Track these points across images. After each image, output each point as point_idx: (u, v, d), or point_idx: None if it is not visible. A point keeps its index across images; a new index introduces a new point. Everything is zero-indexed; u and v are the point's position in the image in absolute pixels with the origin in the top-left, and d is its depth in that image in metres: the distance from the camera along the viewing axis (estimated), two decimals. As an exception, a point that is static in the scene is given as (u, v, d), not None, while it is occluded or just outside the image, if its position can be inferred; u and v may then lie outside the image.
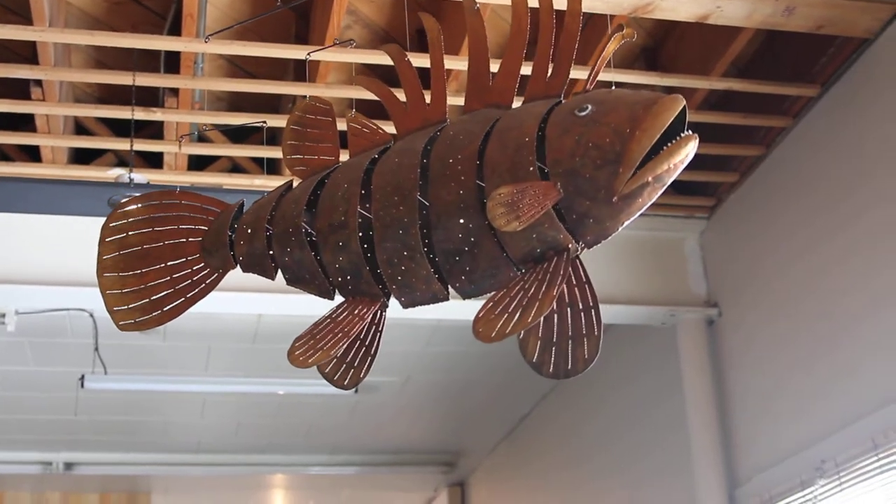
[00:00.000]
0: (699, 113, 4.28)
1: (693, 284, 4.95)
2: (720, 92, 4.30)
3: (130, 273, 2.15)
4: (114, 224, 2.19)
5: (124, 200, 2.22)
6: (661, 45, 4.27)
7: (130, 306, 2.14)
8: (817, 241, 4.13)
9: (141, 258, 2.15)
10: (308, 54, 2.78)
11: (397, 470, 8.79)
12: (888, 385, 3.67)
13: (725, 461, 4.63)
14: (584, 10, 3.33)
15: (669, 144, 1.69)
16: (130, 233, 2.17)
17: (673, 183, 5.28)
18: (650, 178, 1.69)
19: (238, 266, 2.14)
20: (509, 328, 1.68)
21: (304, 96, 4.11)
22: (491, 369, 6.72)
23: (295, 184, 2.15)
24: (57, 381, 6.52)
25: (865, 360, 3.81)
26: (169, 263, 2.15)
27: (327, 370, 1.97)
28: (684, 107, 1.70)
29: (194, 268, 2.15)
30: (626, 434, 5.84)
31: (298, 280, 2.05)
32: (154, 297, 2.13)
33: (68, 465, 8.12)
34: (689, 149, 1.70)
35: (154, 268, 2.15)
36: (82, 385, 5.87)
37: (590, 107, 1.75)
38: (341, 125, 2.12)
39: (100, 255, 2.18)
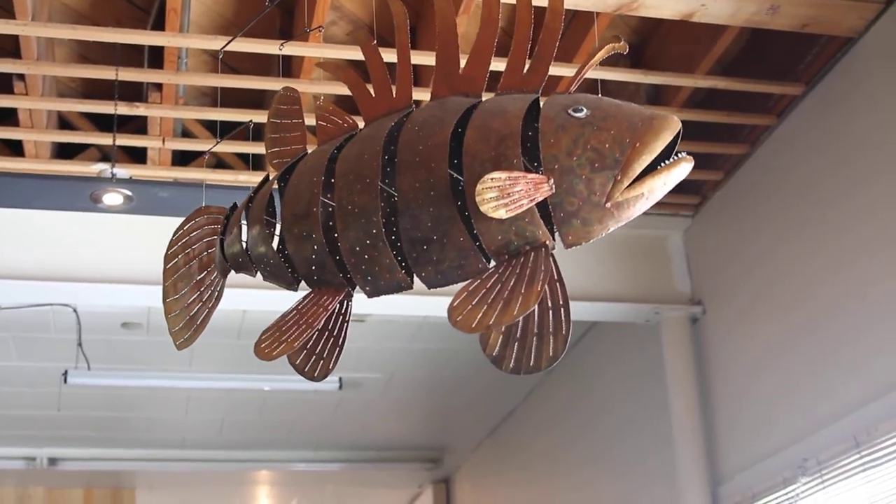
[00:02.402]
0: (683, 111, 4.28)
1: (677, 282, 4.96)
2: (704, 90, 4.30)
3: (179, 295, 2.26)
4: (169, 252, 2.30)
5: (176, 227, 2.32)
6: (646, 42, 4.27)
7: (180, 326, 2.23)
8: (802, 239, 4.14)
9: (183, 278, 2.26)
10: (281, 45, 2.76)
11: (382, 466, 8.78)
12: (871, 383, 3.68)
13: (708, 459, 4.64)
14: (568, 6, 3.34)
15: (666, 162, 1.72)
16: (179, 256, 2.28)
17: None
18: (645, 191, 1.72)
19: (231, 268, 2.16)
20: (492, 320, 1.66)
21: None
22: (476, 366, 6.72)
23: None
24: (40, 376, 6.50)
25: (849, 359, 3.82)
26: (197, 279, 2.24)
27: (297, 362, 1.97)
28: (679, 130, 1.73)
29: (212, 277, 2.23)
30: (609, 432, 5.84)
31: (270, 274, 2.06)
32: (191, 314, 2.22)
33: (52, 461, 8.10)
34: (684, 170, 1.73)
35: (189, 286, 2.24)
36: (65, 380, 5.86)
37: (584, 109, 1.76)
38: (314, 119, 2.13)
39: (163, 283, 2.29)
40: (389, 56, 2.02)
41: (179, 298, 2.23)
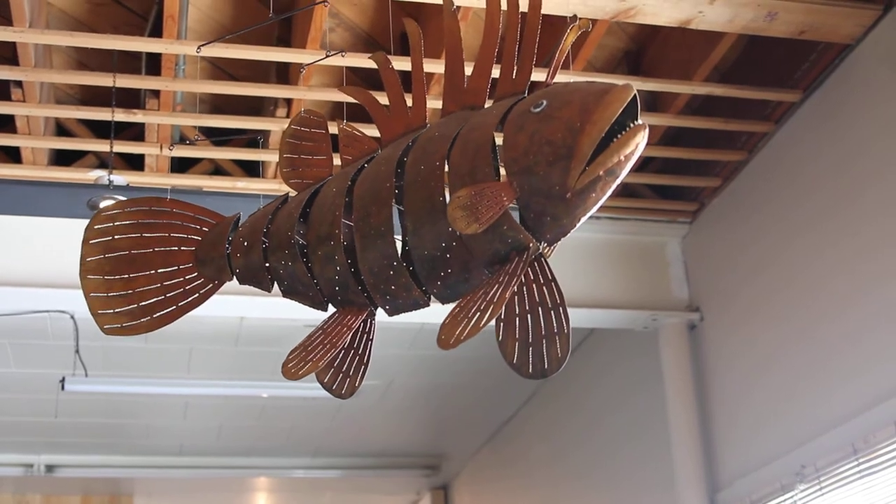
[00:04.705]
0: (681, 117, 4.28)
1: (675, 289, 4.95)
2: (702, 97, 4.31)
3: (117, 277, 2.14)
4: (98, 226, 2.19)
5: (110, 203, 2.22)
6: (644, 49, 4.27)
7: (117, 311, 2.13)
8: (799, 246, 4.14)
9: (128, 263, 2.15)
10: (302, 67, 2.77)
11: (380, 473, 8.78)
12: (868, 390, 3.68)
13: (706, 466, 4.63)
14: (565, 13, 3.35)
15: (619, 136, 1.66)
16: (116, 236, 2.17)
17: (655, 187, 5.27)
18: (602, 172, 1.66)
19: (234, 278, 2.14)
20: (465, 334, 1.68)
21: (286, 99, 4.10)
22: (474, 373, 6.71)
23: (291, 196, 2.15)
24: (37, 382, 6.49)
25: (846, 366, 3.82)
26: (159, 271, 2.15)
27: (325, 380, 1.98)
28: (635, 95, 1.68)
29: (187, 277, 2.16)
30: (607, 438, 5.84)
31: (293, 292, 2.06)
32: (143, 304, 2.13)
33: (49, 468, 8.08)
34: (639, 139, 1.67)
35: (143, 274, 2.14)
36: (63, 387, 5.84)
37: (545, 102, 1.73)
38: (332, 128, 2.13)
39: (83, 256, 2.17)
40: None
41: (115, 281, 2.14)
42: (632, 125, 1.67)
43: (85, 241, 2.18)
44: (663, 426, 4.86)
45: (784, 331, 4.20)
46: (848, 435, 3.73)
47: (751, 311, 4.45)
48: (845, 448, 3.73)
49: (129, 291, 2.13)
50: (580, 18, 1.89)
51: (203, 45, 2.95)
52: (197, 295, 2.16)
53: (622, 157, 1.66)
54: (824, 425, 3.88)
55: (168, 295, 2.14)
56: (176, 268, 2.16)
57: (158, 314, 2.13)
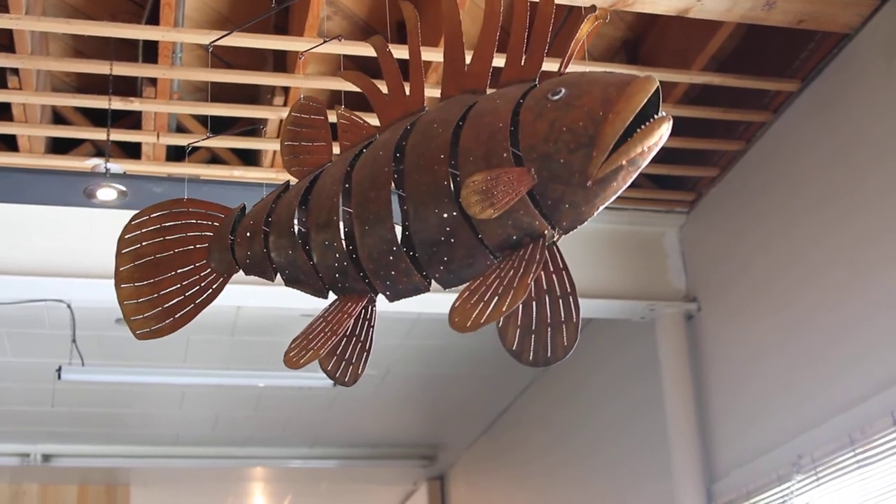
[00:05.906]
0: (679, 107, 4.28)
1: (672, 279, 4.95)
2: (700, 86, 4.30)
3: (145, 283, 2.19)
4: (128, 236, 2.24)
5: (137, 212, 2.26)
6: (642, 38, 4.26)
7: (146, 315, 2.18)
8: (797, 235, 4.14)
9: (154, 267, 2.20)
10: (301, 54, 2.76)
11: (377, 463, 8.79)
12: (865, 380, 3.68)
13: (703, 456, 4.64)
14: (565, 2, 3.34)
15: (643, 127, 1.66)
16: (144, 243, 2.22)
17: (653, 177, 5.25)
18: (624, 162, 1.66)
19: (241, 269, 2.15)
20: (484, 317, 1.66)
21: (284, 87, 4.09)
22: (471, 363, 6.72)
23: (292, 184, 2.15)
24: (34, 372, 6.48)
25: (843, 356, 3.82)
26: (179, 271, 2.19)
27: (328, 368, 1.98)
28: (658, 88, 1.68)
29: (202, 273, 2.19)
30: (604, 429, 5.84)
31: (294, 280, 2.06)
32: (167, 305, 2.17)
33: (46, 457, 8.08)
34: (663, 131, 1.67)
35: (166, 276, 2.19)
36: (59, 376, 5.84)
37: (563, 90, 1.73)
38: (332, 117, 2.12)
39: (116, 267, 2.23)
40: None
41: (143, 286, 2.19)
42: (655, 116, 1.67)
43: (117, 253, 2.24)
44: (660, 416, 4.86)
45: (781, 320, 4.20)
46: (845, 425, 3.73)
47: (748, 301, 4.45)
48: (842, 438, 3.73)
49: (155, 295, 2.18)
50: (599, 9, 1.88)
51: (214, 42, 2.94)
52: (211, 290, 2.19)
53: (645, 148, 1.66)
54: (821, 415, 3.88)
55: (187, 294, 2.18)
56: (192, 266, 2.20)
57: (180, 314, 2.17)
